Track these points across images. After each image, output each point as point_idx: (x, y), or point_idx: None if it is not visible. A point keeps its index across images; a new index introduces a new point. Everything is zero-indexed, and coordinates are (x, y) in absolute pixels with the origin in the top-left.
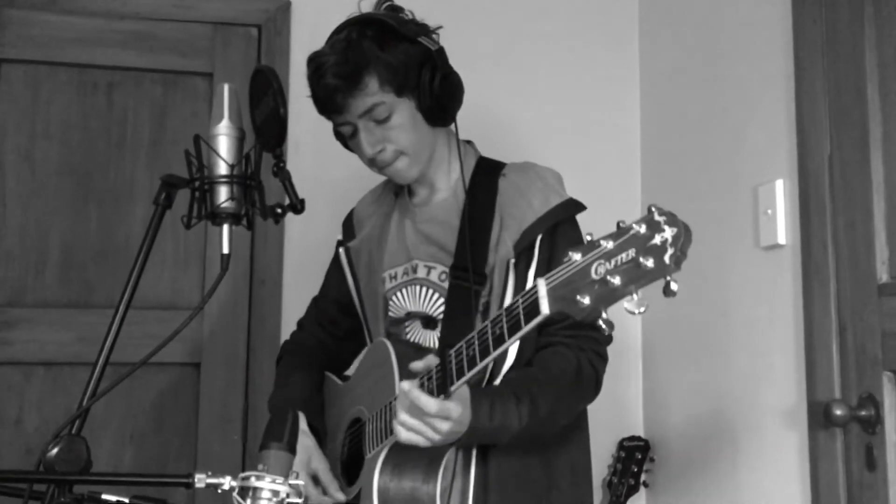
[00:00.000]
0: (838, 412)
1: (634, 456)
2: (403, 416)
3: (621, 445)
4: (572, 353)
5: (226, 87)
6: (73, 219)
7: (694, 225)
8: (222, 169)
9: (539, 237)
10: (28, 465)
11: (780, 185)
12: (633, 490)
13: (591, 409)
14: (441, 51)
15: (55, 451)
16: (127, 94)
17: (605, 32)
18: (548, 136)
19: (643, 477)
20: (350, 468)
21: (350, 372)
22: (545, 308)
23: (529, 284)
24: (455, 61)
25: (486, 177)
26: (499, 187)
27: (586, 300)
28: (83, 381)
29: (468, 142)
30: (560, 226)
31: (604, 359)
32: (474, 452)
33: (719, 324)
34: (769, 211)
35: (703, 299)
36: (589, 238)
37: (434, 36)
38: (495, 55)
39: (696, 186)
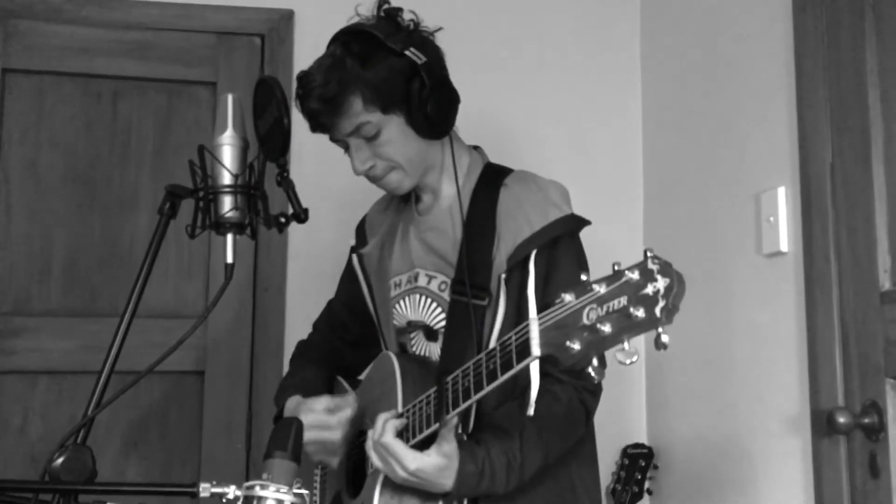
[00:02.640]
0: (841, 420)
1: (638, 463)
2: (375, 437)
3: (625, 453)
4: (565, 393)
5: (229, 97)
6: (78, 228)
7: (696, 232)
8: (226, 179)
9: (534, 252)
10: (33, 474)
11: (781, 192)
12: (636, 497)
13: (596, 417)
14: (429, 63)
15: (60, 460)
16: (131, 103)
17: (606, 39)
18: (549, 144)
19: (647, 484)
20: (356, 479)
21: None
22: (536, 350)
23: (531, 301)
24: (455, 67)
25: (488, 186)
26: (499, 197)
27: (576, 346)
28: (88, 390)
29: (476, 147)
30: (561, 241)
31: (596, 395)
32: None
33: (722, 331)
34: (771, 218)
35: (706, 307)
36: (584, 278)
37: (432, 38)
38: (496, 62)
39: (699, 194)
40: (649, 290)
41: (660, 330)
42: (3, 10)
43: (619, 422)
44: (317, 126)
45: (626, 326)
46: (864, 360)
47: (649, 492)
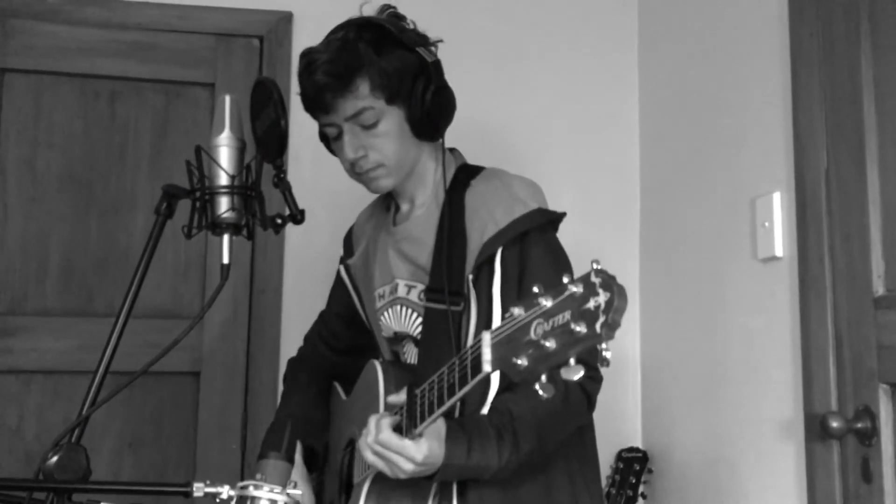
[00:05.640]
0: (835, 424)
1: (633, 467)
2: (370, 439)
3: (620, 457)
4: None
5: (227, 98)
6: (75, 228)
7: (692, 236)
8: (223, 179)
9: (500, 250)
10: (27, 473)
11: (777, 197)
12: (631, 501)
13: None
14: (437, 63)
15: (54, 459)
16: (129, 104)
17: (604, 43)
18: (546, 146)
19: (641, 488)
20: (350, 486)
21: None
22: (487, 366)
23: (496, 302)
24: (452, 67)
25: (457, 189)
26: (465, 199)
27: (523, 362)
28: (83, 390)
29: (452, 149)
30: (530, 237)
31: (596, 380)
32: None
33: (717, 335)
34: (766, 223)
35: (701, 311)
36: (535, 290)
37: (433, 49)
38: (493, 63)
39: (694, 198)
40: (591, 304)
41: (602, 346)
42: (2, 9)
43: (614, 426)
44: (315, 104)
45: (570, 342)
46: (857, 364)
47: (643, 496)
